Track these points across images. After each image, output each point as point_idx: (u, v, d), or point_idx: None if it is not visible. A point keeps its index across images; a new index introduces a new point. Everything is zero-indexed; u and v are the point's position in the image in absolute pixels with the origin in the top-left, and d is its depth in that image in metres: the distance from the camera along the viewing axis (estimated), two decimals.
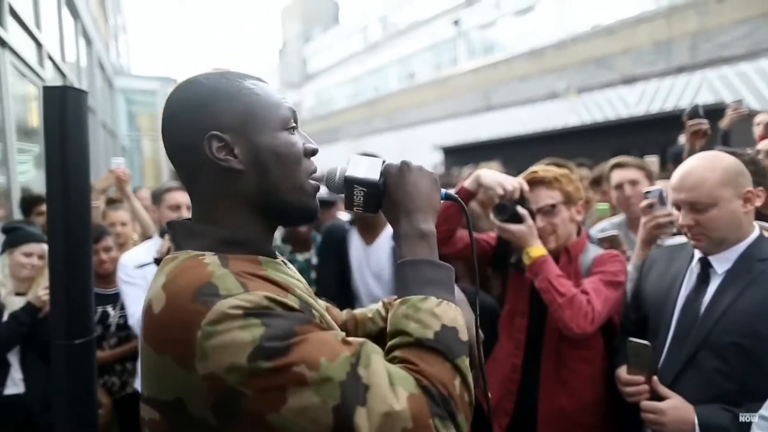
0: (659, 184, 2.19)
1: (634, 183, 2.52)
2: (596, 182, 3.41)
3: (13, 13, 4.27)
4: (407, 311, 0.77)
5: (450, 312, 0.77)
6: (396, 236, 0.87)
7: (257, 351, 0.66)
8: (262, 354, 0.66)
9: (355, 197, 0.90)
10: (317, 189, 0.88)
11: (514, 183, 1.65)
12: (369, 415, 0.66)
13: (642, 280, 1.74)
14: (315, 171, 0.88)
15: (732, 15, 11.73)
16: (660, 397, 1.44)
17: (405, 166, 0.90)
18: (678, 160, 2.73)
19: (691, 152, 2.19)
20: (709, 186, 1.42)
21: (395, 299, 0.82)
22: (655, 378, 1.47)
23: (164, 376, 0.70)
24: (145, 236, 3.04)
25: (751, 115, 3.50)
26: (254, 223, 0.84)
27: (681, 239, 2.06)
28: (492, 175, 1.65)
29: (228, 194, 0.81)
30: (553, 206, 1.78)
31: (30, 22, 4.86)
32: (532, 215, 1.71)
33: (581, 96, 14.46)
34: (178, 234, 0.83)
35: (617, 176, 2.59)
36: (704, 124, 2.21)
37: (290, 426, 0.66)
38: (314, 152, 0.87)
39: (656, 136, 7.15)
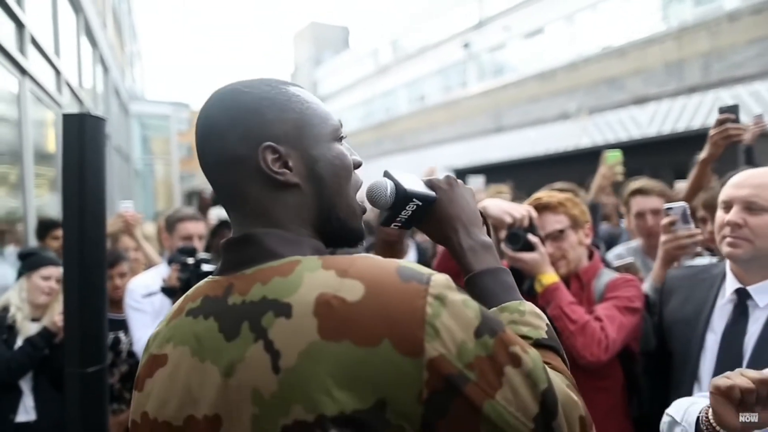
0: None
1: (656, 212, 2.41)
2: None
3: (35, 42, 4.38)
4: (513, 317, 0.77)
5: (539, 311, 0.81)
6: (455, 249, 0.86)
7: (482, 326, 0.62)
8: (487, 329, 0.62)
9: (403, 212, 0.86)
10: (364, 211, 0.82)
11: (522, 210, 1.60)
12: (563, 401, 0.65)
13: (662, 306, 1.68)
14: (360, 186, 0.83)
15: (744, 35, 11.73)
16: None
17: (453, 180, 0.90)
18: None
19: (710, 158, 2.06)
20: None
21: None
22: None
23: (369, 373, 0.58)
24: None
25: None
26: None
27: (703, 260, 1.98)
28: (497, 205, 1.60)
29: (286, 212, 0.73)
30: (561, 231, 1.77)
31: (50, 51, 4.98)
32: (542, 242, 1.69)
33: (592, 117, 14.45)
34: (269, 240, 0.70)
35: (638, 204, 2.50)
36: (740, 128, 2.01)
37: (499, 415, 0.60)
38: (359, 165, 0.82)
39: (669, 156, 7.11)
